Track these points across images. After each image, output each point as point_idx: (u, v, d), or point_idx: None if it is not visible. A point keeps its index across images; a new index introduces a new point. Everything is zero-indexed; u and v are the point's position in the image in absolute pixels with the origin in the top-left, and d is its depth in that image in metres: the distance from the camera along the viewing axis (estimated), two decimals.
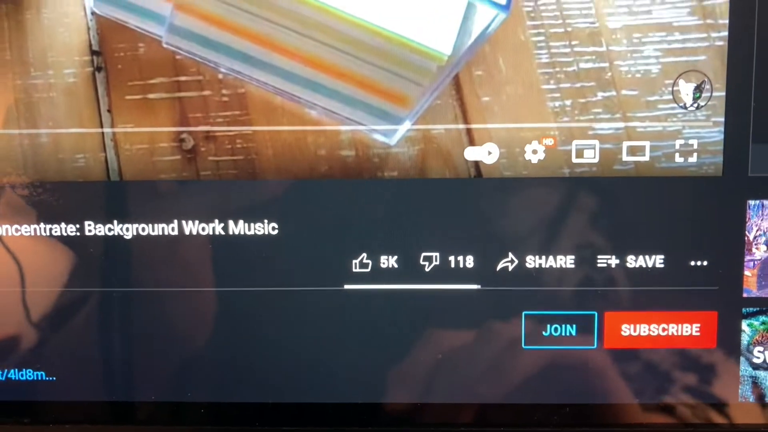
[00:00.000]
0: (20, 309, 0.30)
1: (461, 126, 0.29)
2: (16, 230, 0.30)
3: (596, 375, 0.30)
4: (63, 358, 0.31)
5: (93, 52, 0.30)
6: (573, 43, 0.29)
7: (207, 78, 0.29)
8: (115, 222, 0.30)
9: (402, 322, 0.30)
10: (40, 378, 0.31)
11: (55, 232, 0.30)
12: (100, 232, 0.30)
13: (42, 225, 0.30)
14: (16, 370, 0.31)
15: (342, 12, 0.28)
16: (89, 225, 0.30)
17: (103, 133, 0.30)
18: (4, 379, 0.31)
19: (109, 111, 0.30)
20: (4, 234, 0.30)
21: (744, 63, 0.28)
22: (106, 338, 0.30)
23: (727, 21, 0.28)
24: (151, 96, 0.29)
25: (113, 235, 0.30)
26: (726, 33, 0.28)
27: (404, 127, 0.29)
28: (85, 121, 0.30)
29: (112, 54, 0.29)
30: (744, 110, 0.29)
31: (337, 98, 0.29)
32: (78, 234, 0.30)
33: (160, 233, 0.30)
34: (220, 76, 0.29)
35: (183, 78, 0.29)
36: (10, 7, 0.29)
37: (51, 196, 0.30)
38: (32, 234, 0.30)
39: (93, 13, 0.29)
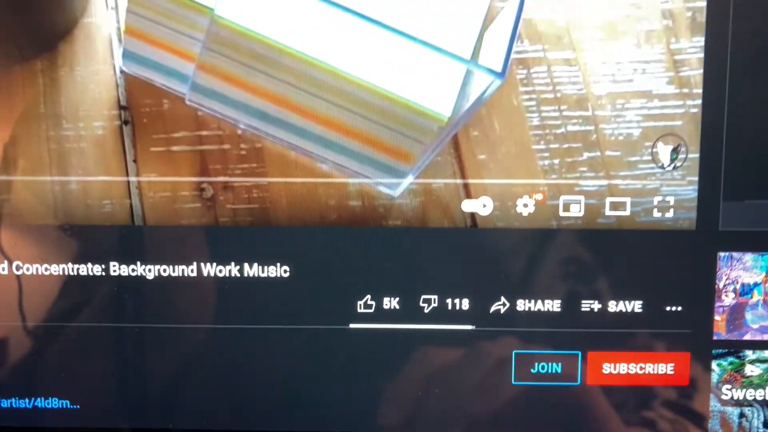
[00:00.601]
0: (49, 342, 0.33)
1: (459, 181, 0.32)
2: (46, 269, 0.33)
3: (580, 409, 0.33)
4: (87, 388, 0.33)
5: (121, 107, 0.32)
6: (562, 107, 0.32)
7: (227, 133, 0.32)
8: (138, 263, 0.32)
9: (402, 359, 0.33)
10: (65, 406, 0.33)
11: (82, 271, 0.33)
12: (124, 272, 0.33)
13: (70, 264, 0.33)
14: (43, 398, 0.33)
15: (351, 75, 0.31)
16: (114, 265, 0.33)
17: (128, 181, 0.32)
18: (31, 407, 0.33)
19: (134, 161, 0.32)
20: (36, 272, 0.32)
21: (716, 128, 0.31)
22: (127, 370, 0.33)
23: (701, 90, 0.31)
24: (174, 148, 0.32)
25: (136, 275, 0.33)
26: (700, 101, 0.31)
27: (407, 181, 0.32)
28: (113, 170, 0.32)
29: (138, 109, 0.32)
30: (715, 171, 0.32)
31: (346, 154, 0.32)
32: (103, 273, 0.33)
33: (180, 274, 0.32)
34: (239, 131, 0.32)
35: (204, 132, 0.32)
36: (46, 64, 0.32)
37: (79, 238, 0.32)
38: (61, 273, 0.33)
39: (122, 72, 0.32)
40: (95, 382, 0.33)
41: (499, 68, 0.30)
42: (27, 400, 0.33)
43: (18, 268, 0.33)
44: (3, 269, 0.33)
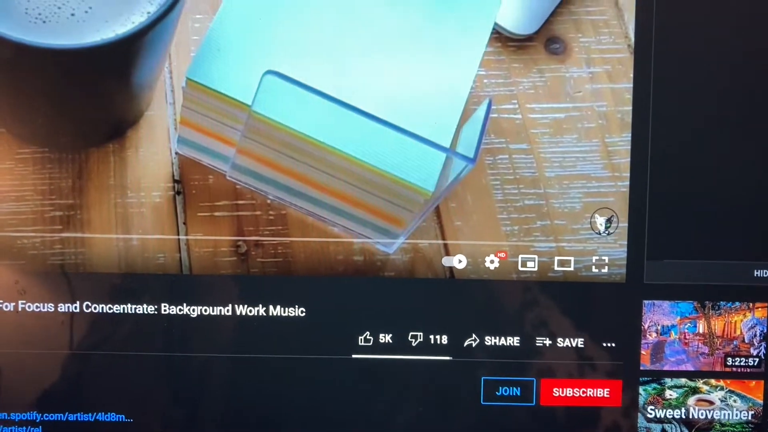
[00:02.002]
0: (110, 367, 0.41)
1: (440, 241, 0.40)
2: (109, 308, 0.40)
3: (535, 425, 0.41)
4: (140, 405, 0.41)
5: (175, 181, 0.40)
6: (520, 186, 0.40)
7: (258, 202, 0.40)
8: (184, 304, 0.40)
9: (395, 383, 0.41)
10: (121, 420, 0.41)
11: (139, 310, 0.40)
12: (172, 311, 0.40)
13: (129, 305, 0.40)
14: (103, 413, 0.41)
15: (356, 158, 0.36)
16: (165, 306, 0.40)
17: (179, 239, 0.40)
18: (93, 419, 0.41)
19: (184, 224, 0.40)
20: (101, 311, 0.40)
21: (640, 204, 0.40)
22: (171, 389, 0.41)
23: (629, 174, 0.40)
24: (216, 213, 0.40)
25: (183, 314, 0.40)
26: (628, 183, 0.40)
27: (399, 241, 0.40)
28: (166, 230, 0.40)
29: (188, 182, 0.40)
30: (641, 237, 0.40)
31: (352, 219, 0.40)
32: (156, 312, 0.40)
33: (218, 314, 0.40)
34: (268, 201, 0.40)
35: (241, 201, 0.40)
36: (116, 147, 0.40)
37: (138, 284, 0.40)
38: (122, 311, 0.40)
39: (176, 153, 0.40)
40: (147, 400, 0.41)
41: (471, 155, 0.35)
42: (90, 414, 0.41)
43: (87, 307, 0.40)
44: (75, 308, 0.40)
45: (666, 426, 0.41)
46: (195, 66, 0.37)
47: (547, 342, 0.40)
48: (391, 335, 0.40)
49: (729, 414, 0.41)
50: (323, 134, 0.36)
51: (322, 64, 0.37)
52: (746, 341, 0.40)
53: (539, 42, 0.39)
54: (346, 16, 0.38)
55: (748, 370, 0.41)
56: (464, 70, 0.38)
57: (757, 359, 0.41)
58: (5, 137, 0.40)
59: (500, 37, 0.39)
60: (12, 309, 0.40)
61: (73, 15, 0.35)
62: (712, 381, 0.41)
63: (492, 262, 0.40)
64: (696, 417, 0.41)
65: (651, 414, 0.41)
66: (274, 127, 0.36)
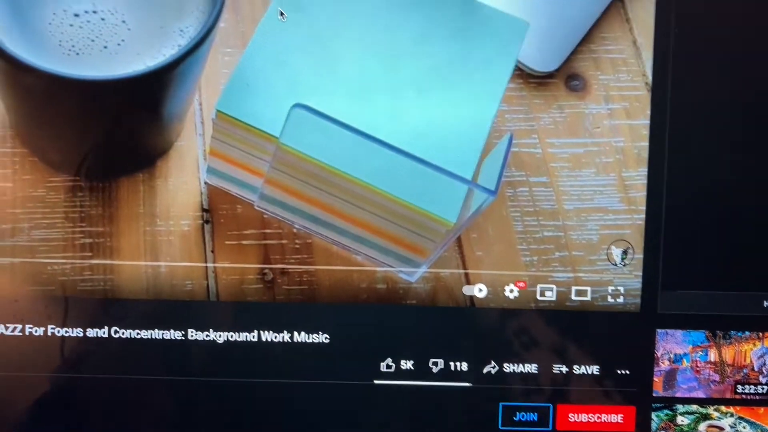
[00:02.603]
0: (137, 391, 0.41)
1: (461, 271, 0.42)
2: (137, 333, 0.41)
3: None
4: (166, 428, 0.42)
5: (203, 210, 0.41)
6: (539, 218, 0.41)
7: (285, 231, 0.41)
8: (211, 330, 0.41)
9: (416, 408, 0.42)
10: None
11: (167, 336, 0.41)
12: (199, 337, 0.41)
13: (157, 330, 0.41)
14: None
15: (380, 189, 0.37)
16: (192, 332, 0.41)
17: (206, 266, 0.41)
18: None
19: (212, 252, 0.41)
20: (129, 336, 0.41)
21: (655, 236, 0.42)
22: (199, 413, 0.42)
23: (644, 207, 0.42)
24: (244, 242, 0.41)
25: (209, 339, 0.41)
26: (644, 216, 0.42)
27: (422, 270, 0.41)
28: (194, 257, 0.41)
29: (217, 211, 0.41)
30: (655, 268, 0.42)
31: (375, 248, 0.41)
32: (183, 338, 0.41)
33: (244, 339, 0.41)
34: (294, 230, 0.41)
35: (267, 230, 0.41)
36: (146, 176, 0.41)
37: (164, 310, 0.41)
38: (150, 337, 0.41)
39: (205, 183, 0.41)
40: (172, 424, 0.42)
41: (492, 188, 0.36)
42: None
43: (116, 332, 0.41)
44: (104, 333, 0.41)
45: None
46: (225, 98, 0.38)
47: (564, 369, 0.41)
48: (412, 362, 0.41)
49: None
50: (348, 166, 0.37)
51: (348, 98, 0.39)
52: (756, 369, 0.42)
53: (560, 79, 0.41)
54: (371, 52, 0.39)
55: (758, 397, 0.42)
56: (486, 105, 0.39)
57: (766, 387, 0.42)
58: (38, 165, 0.41)
59: (522, 73, 0.41)
60: (41, 334, 0.41)
61: (105, 48, 0.36)
62: (723, 408, 0.42)
63: (512, 291, 0.41)
64: None
65: None
66: (301, 159, 0.37)
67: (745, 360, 0.42)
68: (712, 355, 0.42)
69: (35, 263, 0.40)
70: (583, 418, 0.42)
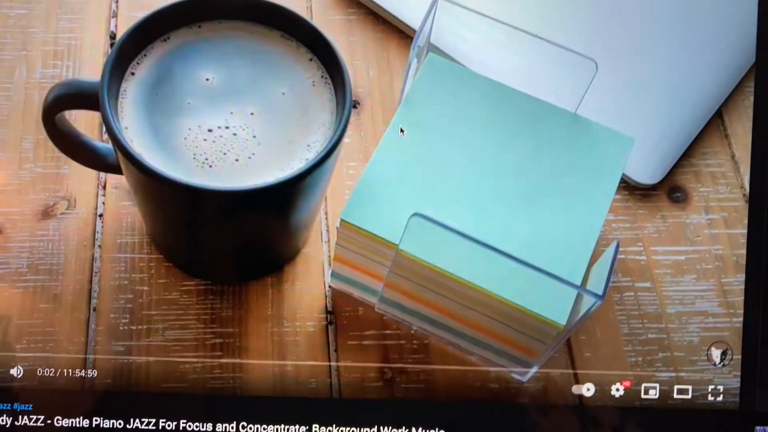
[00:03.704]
0: None
1: (570, 371, 0.44)
2: (264, 428, 0.44)
3: None
4: None
5: (327, 312, 0.44)
6: (644, 321, 0.44)
7: (403, 332, 0.44)
8: (334, 426, 0.44)
9: None
10: None
11: (293, 430, 0.44)
12: (323, 431, 0.44)
13: (282, 425, 0.44)
14: None
15: (494, 293, 0.38)
16: (315, 427, 0.44)
17: (330, 365, 0.44)
18: None
19: (335, 351, 0.44)
20: (257, 430, 0.44)
21: (753, 338, 0.44)
22: None
23: (742, 311, 0.44)
24: (365, 342, 0.44)
25: None
26: (742, 319, 0.44)
27: (533, 370, 0.44)
28: (318, 356, 0.44)
29: (340, 313, 0.44)
30: (753, 368, 0.44)
31: (489, 349, 0.44)
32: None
33: None
34: (412, 331, 0.44)
35: (387, 331, 0.44)
36: (274, 280, 0.44)
37: (290, 407, 0.44)
38: (274, 430, 0.44)
39: (329, 287, 0.44)
40: None
41: (600, 292, 0.37)
42: None
43: (243, 427, 0.44)
44: (233, 427, 0.44)
45: None
46: (349, 209, 0.40)
47: None
48: None
49: None
50: (463, 271, 0.39)
51: (463, 208, 0.41)
52: None
53: (662, 191, 0.43)
54: (485, 165, 0.42)
55: None
56: (594, 215, 0.42)
57: None
58: (172, 270, 0.44)
59: (627, 185, 0.43)
60: (173, 428, 0.43)
61: (237, 160, 0.39)
62: None
63: (617, 390, 0.43)
64: None
65: None
66: (418, 264, 0.39)
67: None
68: None
69: (169, 362, 0.43)
70: None
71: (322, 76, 0.41)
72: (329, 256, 0.44)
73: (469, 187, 0.42)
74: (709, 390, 0.44)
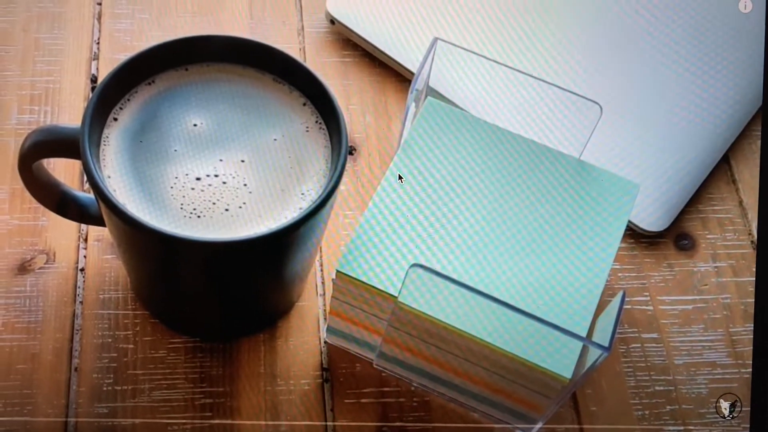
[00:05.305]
0: None
1: (576, 426, 0.43)
2: None
3: None
4: None
5: (323, 369, 0.42)
6: (651, 373, 0.43)
7: (403, 389, 0.42)
8: None
9: None
10: None
11: None
12: None
13: None
14: None
15: (496, 346, 0.40)
16: None
17: (326, 425, 0.42)
18: None
19: (332, 410, 0.42)
20: None
21: (762, 389, 0.43)
22: None
23: (751, 362, 0.43)
24: (362, 400, 0.42)
25: None
26: (751, 370, 0.43)
27: (538, 426, 0.42)
28: (314, 416, 0.42)
29: (336, 370, 0.42)
30: (763, 419, 0.43)
31: (492, 405, 0.42)
32: None
33: None
34: (412, 388, 0.42)
35: (386, 388, 0.42)
36: (267, 336, 0.42)
37: None
38: None
39: (325, 342, 0.42)
40: None
41: (606, 344, 0.36)
42: None
43: None
44: None
45: None
46: (345, 259, 0.39)
47: None
48: None
49: None
50: (465, 323, 0.38)
51: (464, 258, 0.40)
52: None
53: (669, 238, 0.42)
54: (486, 213, 0.41)
55: None
56: (599, 265, 0.41)
57: None
58: (158, 327, 0.42)
59: (633, 233, 0.42)
60: None
61: (227, 210, 0.37)
62: None
63: None
64: None
65: None
66: (418, 317, 0.38)
67: None
68: None
69: (156, 423, 0.41)
70: None
71: (317, 122, 0.39)
72: (325, 310, 0.42)
73: (470, 236, 0.40)
74: None
